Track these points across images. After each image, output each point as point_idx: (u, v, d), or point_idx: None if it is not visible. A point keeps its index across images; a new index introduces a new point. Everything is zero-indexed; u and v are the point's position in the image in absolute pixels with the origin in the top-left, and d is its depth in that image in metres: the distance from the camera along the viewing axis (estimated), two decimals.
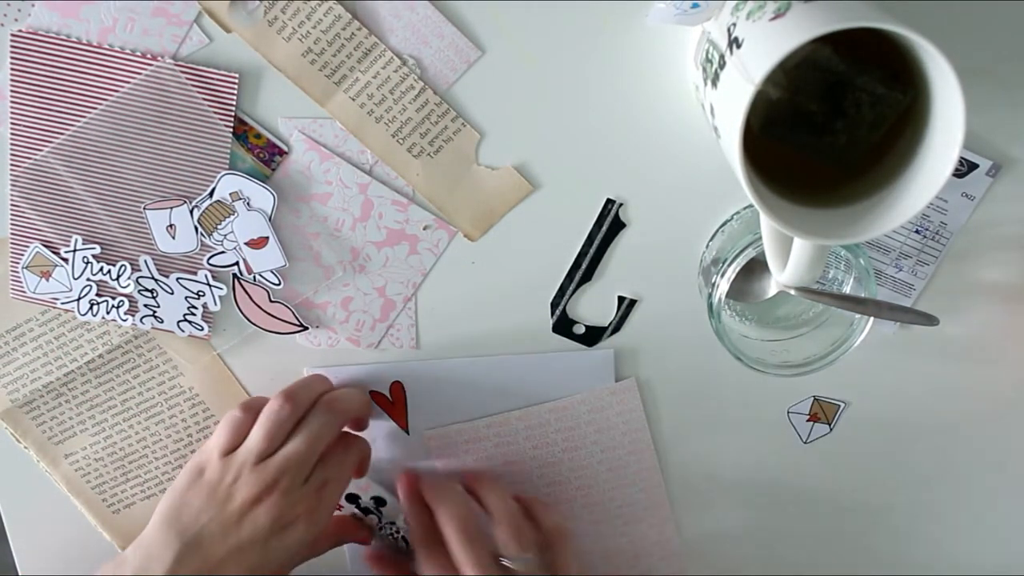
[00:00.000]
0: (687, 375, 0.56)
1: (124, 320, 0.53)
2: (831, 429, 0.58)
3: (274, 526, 0.48)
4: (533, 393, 0.56)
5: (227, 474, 0.49)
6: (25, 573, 0.59)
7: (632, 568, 0.62)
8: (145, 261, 0.52)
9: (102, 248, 0.51)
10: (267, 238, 0.51)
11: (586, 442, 0.57)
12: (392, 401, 0.56)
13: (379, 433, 0.57)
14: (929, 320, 0.49)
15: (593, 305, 0.54)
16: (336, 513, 0.58)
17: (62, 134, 0.49)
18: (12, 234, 0.51)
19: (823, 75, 0.40)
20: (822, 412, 0.58)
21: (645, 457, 0.58)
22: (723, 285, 0.49)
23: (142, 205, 0.50)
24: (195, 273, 0.52)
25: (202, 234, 0.51)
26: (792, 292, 0.47)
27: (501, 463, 0.58)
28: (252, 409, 0.51)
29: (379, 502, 0.58)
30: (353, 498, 0.58)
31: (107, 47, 0.47)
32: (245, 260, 0.51)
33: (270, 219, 0.51)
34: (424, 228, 0.52)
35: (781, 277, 0.45)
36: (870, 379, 0.57)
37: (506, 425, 0.56)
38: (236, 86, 0.48)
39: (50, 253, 0.51)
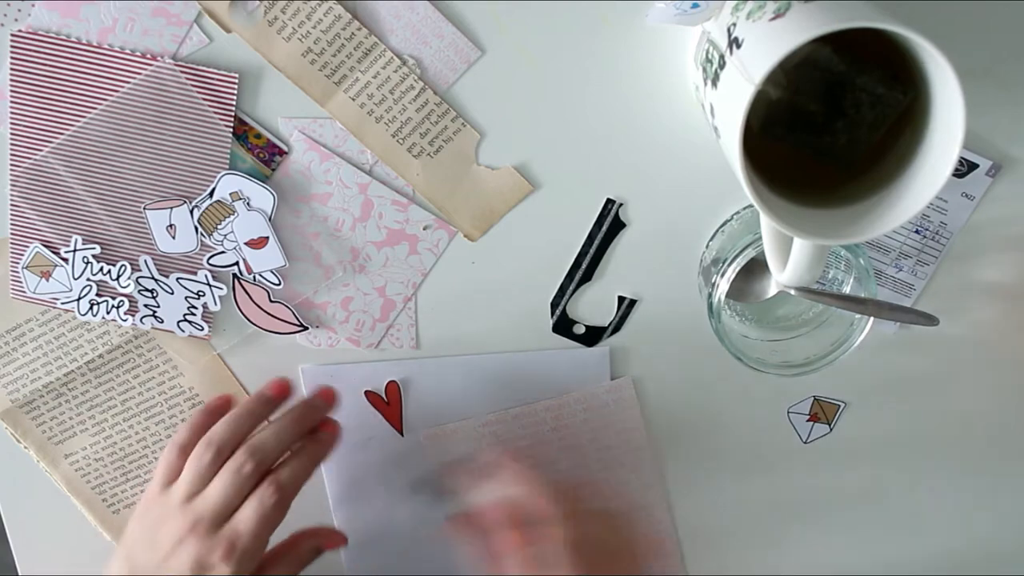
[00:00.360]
0: (687, 375, 0.56)
1: (124, 320, 0.53)
2: (831, 429, 0.58)
3: (194, 568, 0.47)
4: (529, 391, 0.56)
5: (163, 509, 0.49)
6: (25, 573, 0.59)
7: (628, 567, 0.62)
8: (145, 261, 0.52)
9: (102, 248, 0.51)
10: (267, 238, 0.51)
11: (582, 440, 0.57)
12: (388, 402, 0.56)
13: (373, 435, 0.57)
14: (929, 320, 0.49)
15: (593, 305, 0.54)
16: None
17: (62, 134, 0.49)
18: (12, 234, 0.51)
19: (823, 75, 0.40)
20: (822, 412, 0.58)
21: (642, 456, 0.58)
22: (723, 285, 0.49)
23: (142, 205, 0.50)
24: (195, 273, 0.52)
25: (202, 234, 0.51)
26: (792, 292, 0.47)
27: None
28: (186, 449, 0.50)
29: None
30: None
31: (107, 47, 0.47)
32: (245, 260, 0.51)
33: (270, 219, 0.51)
34: (424, 228, 0.52)
35: (781, 277, 0.45)
36: (870, 379, 0.56)
37: (502, 424, 0.56)
38: (236, 86, 0.48)
39: (50, 253, 0.51)
